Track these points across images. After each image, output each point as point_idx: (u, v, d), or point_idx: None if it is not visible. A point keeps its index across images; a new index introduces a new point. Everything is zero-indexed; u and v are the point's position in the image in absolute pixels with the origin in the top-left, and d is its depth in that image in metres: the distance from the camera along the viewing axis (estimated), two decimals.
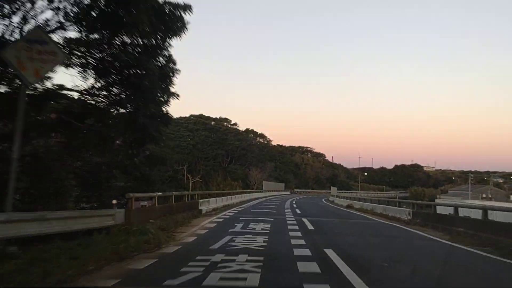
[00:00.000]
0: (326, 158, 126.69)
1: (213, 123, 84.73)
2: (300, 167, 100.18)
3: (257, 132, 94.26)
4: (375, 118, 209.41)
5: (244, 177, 70.26)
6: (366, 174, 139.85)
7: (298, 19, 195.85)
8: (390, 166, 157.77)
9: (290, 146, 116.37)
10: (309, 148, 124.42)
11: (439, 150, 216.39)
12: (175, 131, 69.75)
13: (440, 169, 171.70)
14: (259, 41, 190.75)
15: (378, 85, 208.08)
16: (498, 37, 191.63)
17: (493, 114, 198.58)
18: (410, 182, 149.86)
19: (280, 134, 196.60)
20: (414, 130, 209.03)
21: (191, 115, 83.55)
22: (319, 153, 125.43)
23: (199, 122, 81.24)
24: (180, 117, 76.46)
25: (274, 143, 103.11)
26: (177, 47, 26.63)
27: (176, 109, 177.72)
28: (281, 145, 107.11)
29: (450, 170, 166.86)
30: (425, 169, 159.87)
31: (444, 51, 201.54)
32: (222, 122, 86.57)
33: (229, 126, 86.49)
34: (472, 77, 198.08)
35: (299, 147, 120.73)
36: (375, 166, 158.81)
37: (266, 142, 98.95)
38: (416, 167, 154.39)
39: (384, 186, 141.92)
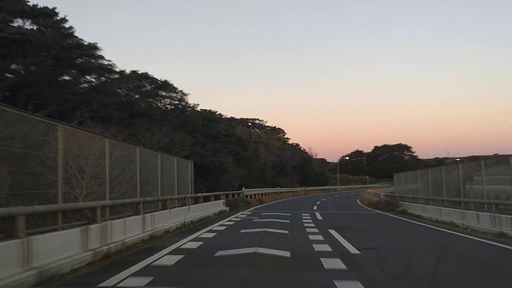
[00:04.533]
0: (287, 137, 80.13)
1: None
2: (247, 146, 52.12)
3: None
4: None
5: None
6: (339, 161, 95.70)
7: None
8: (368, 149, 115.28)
9: (231, 117, 67.97)
10: (258, 121, 77.10)
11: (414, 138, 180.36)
12: None
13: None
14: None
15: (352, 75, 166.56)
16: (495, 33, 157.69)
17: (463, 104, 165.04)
18: (399, 169, 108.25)
19: None
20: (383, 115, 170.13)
21: None
22: (274, 127, 78.64)
23: None
24: None
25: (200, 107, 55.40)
26: None
27: None
28: (214, 111, 58.16)
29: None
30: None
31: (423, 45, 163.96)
32: None
33: None
34: (443, 68, 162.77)
35: (242, 119, 72.77)
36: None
37: (179, 97, 50.03)
38: (403, 148, 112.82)
39: (367, 177, 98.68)
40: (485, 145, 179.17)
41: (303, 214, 17.90)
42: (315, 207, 22.12)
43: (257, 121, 76.29)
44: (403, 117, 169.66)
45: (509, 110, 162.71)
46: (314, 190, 54.72)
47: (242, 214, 18.14)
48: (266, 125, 77.46)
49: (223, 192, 21.01)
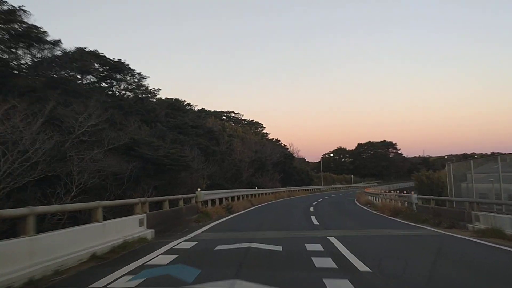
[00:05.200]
0: (266, 131, 72.19)
1: None
2: (219, 140, 43.95)
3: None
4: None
5: None
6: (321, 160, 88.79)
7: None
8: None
9: (202, 109, 59.85)
10: (234, 114, 69.00)
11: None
12: None
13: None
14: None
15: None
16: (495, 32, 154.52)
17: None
18: (385, 167, 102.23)
19: None
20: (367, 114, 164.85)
21: None
22: (252, 121, 70.67)
23: None
24: None
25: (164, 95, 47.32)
26: None
27: None
28: (181, 100, 49.83)
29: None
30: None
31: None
32: None
33: None
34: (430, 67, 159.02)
35: (215, 112, 64.56)
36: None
37: (136, 80, 41.66)
38: (388, 145, 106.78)
39: (352, 176, 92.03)
40: (462, 145, 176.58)
41: (308, 246, 8.40)
42: (315, 220, 14.00)
43: (233, 114, 68.22)
44: (386, 114, 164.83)
45: (491, 110, 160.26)
46: (298, 190, 47.14)
47: (174, 245, 8.65)
48: (243, 118, 69.53)
49: (139, 199, 10.43)
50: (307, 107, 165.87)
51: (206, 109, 58.99)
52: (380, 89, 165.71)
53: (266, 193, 31.97)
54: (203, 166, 31.42)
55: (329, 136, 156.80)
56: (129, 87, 42.69)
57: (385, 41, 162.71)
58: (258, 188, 33.90)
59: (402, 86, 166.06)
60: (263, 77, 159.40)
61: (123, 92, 43.86)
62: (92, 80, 37.52)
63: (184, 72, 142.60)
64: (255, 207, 22.32)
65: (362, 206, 23.62)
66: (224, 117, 66.60)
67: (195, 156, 30.99)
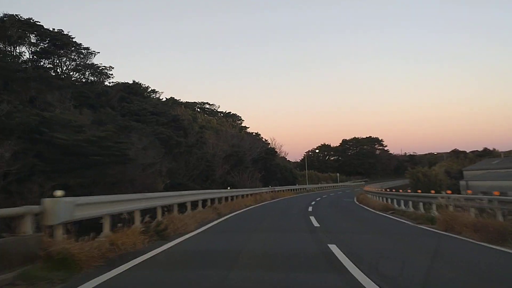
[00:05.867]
0: (245, 125, 64.63)
1: None
2: (187, 131, 36.32)
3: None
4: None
5: None
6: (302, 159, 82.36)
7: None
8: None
9: (171, 98, 52.12)
10: (209, 105, 61.26)
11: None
12: None
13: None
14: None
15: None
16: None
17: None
18: (372, 164, 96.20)
19: None
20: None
21: None
22: (229, 112, 63.00)
23: None
24: None
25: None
26: None
27: None
28: (139, 83, 42.05)
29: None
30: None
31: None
32: None
33: None
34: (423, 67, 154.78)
35: (187, 102, 56.88)
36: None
37: (82, 56, 33.61)
38: (374, 141, 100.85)
39: (337, 174, 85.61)
40: (447, 143, 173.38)
41: None
42: (349, 262, 5.72)
43: (207, 106, 60.46)
44: (371, 110, 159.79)
45: (478, 108, 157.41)
46: (283, 191, 39.92)
47: None
48: (219, 110, 61.84)
49: None
50: (288, 103, 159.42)
51: (176, 98, 51.15)
52: (365, 86, 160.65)
53: (243, 195, 24.58)
54: (159, 160, 23.90)
55: (311, 133, 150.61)
56: (78, 67, 34.83)
57: (369, 38, 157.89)
58: (233, 188, 26.52)
59: (387, 82, 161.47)
60: (243, 72, 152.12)
61: (72, 73, 35.98)
62: (29, 57, 29.63)
63: (161, 65, 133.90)
64: (221, 220, 13.57)
65: (389, 216, 16.05)
66: (198, 109, 58.90)
67: (148, 147, 23.43)
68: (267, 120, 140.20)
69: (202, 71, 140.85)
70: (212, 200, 16.73)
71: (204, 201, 15.72)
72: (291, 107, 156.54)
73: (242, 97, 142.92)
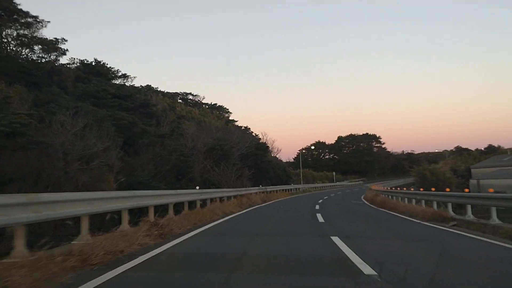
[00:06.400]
0: (232, 118, 58.36)
1: None
2: (160, 119, 30.06)
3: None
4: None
5: None
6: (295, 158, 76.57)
7: None
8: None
9: (148, 85, 45.74)
10: (192, 96, 54.95)
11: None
12: None
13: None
14: None
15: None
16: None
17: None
18: (369, 162, 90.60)
19: None
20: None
21: None
22: (215, 104, 56.68)
23: None
24: None
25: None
26: None
27: None
28: (103, 63, 35.39)
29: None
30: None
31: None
32: None
33: None
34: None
35: (167, 93, 50.52)
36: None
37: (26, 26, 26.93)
38: (371, 138, 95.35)
39: (334, 173, 79.88)
40: (442, 141, 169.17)
41: None
42: None
43: (190, 96, 54.10)
44: (368, 107, 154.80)
45: (477, 106, 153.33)
46: (276, 191, 33.91)
47: None
48: (203, 102, 55.52)
49: None
50: (281, 100, 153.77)
51: (153, 86, 44.77)
52: (361, 82, 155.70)
53: (222, 198, 18.14)
54: (117, 155, 17.69)
55: (305, 131, 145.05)
56: (20, 37, 28.38)
57: (365, 33, 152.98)
58: (212, 188, 20.35)
59: (384, 79, 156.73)
60: (235, 68, 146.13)
61: (18, 48, 29.51)
62: None
63: (147, 56, 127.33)
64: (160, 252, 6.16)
65: (465, 234, 9.53)
66: (180, 100, 52.60)
67: (90, 133, 17.19)
68: (259, 117, 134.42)
69: (190, 64, 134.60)
70: (156, 208, 9.81)
71: (139, 212, 9.15)
72: (283, 104, 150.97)
73: (232, 92, 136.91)
